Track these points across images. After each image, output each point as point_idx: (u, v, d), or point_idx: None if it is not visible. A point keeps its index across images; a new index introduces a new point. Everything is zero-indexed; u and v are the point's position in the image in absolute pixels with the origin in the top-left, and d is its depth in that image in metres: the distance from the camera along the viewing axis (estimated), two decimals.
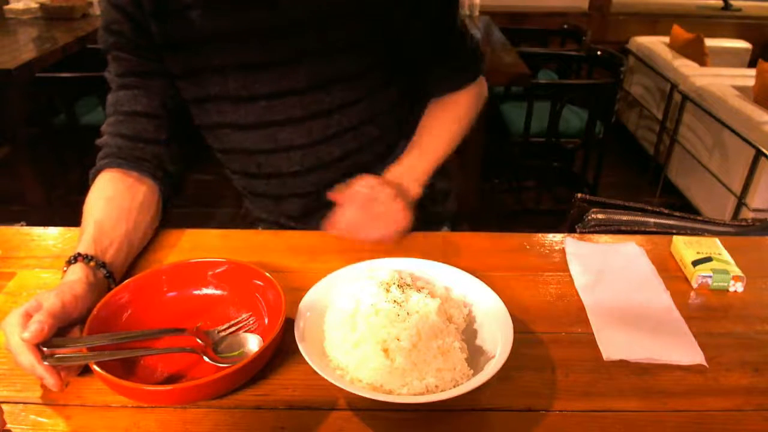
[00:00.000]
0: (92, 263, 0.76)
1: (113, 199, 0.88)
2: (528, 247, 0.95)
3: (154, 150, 0.95)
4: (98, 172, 0.92)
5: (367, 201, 0.88)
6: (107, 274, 0.77)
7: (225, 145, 1.03)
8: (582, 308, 0.80)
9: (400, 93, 1.05)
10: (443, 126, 1.05)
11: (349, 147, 1.01)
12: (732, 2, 4.33)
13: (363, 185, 0.89)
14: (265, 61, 0.92)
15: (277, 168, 1.02)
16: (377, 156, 1.06)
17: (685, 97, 3.04)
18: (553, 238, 0.97)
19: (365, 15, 0.91)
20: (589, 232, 1.04)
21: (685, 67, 3.35)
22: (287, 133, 0.98)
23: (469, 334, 0.71)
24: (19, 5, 3.20)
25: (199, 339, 0.70)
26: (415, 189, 0.97)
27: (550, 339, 0.74)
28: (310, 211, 1.07)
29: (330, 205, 1.07)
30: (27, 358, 0.61)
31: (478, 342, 0.71)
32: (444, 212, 1.21)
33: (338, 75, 0.94)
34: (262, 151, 1.00)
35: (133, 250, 0.87)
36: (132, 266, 0.86)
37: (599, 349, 0.72)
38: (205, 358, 0.67)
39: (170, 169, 0.98)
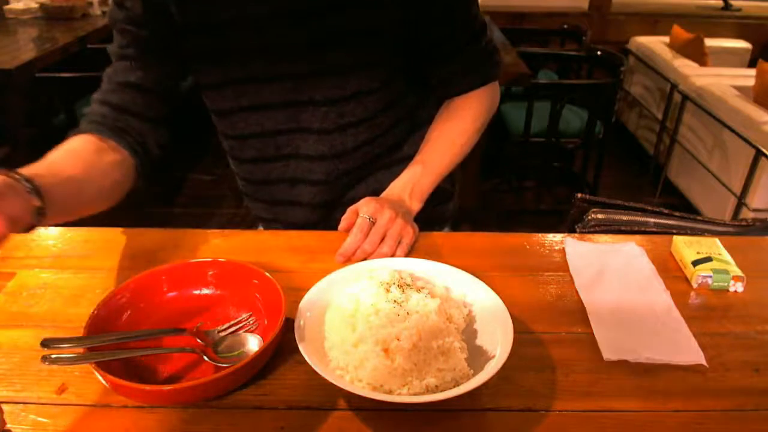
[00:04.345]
0: (15, 174, 0.68)
1: (76, 152, 0.85)
2: (528, 247, 0.95)
3: (139, 125, 0.93)
4: (76, 135, 0.89)
5: (369, 227, 0.89)
6: (30, 189, 0.68)
7: (243, 130, 1.02)
8: (582, 308, 0.80)
9: (406, 85, 1.05)
10: (449, 139, 1.05)
11: (362, 138, 1.02)
12: (732, 2, 4.33)
13: (364, 212, 0.90)
14: (287, 45, 0.92)
15: (296, 149, 1.02)
16: (387, 148, 1.07)
17: (685, 97, 3.04)
18: (553, 238, 0.97)
19: (384, 2, 0.91)
20: (589, 232, 1.04)
21: (685, 67, 3.35)
22: (309, 113, 0.98)
23: (469, 334, 0.71)
24: (19, 5, 3.20)
25: (199, 339, 0.70)
26: (416, 205, 0.99)
27: (550, 339, 0.74)
28: (315, 203, 1.07)
29: (335, 200, 1.07)
30: None
31: (478, 342, 0.71)
32: (445, 212, 1.21)
33: (357, 61, 0.95)
34: (282, 131, 1.00)
35: (81, 200, 0.81)
36: (132, 267, 0.86)
37: (599, 349, 0.72)
38: (205, 358, 0.67)
39: (152, 150, 0.95)
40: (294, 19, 0.90)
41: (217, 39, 0.93)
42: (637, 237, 0.97)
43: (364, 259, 0.87)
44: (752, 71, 2.97)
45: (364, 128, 1.01)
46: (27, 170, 0.71)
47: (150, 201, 3.01)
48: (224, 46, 0.93)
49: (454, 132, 1.06)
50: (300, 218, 1.09)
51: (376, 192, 1.02)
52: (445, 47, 1.01)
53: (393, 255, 0.87)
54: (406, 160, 1.05)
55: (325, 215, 1.09)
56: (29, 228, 0.69)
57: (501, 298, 0.72)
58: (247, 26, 0.91)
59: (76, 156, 0.85)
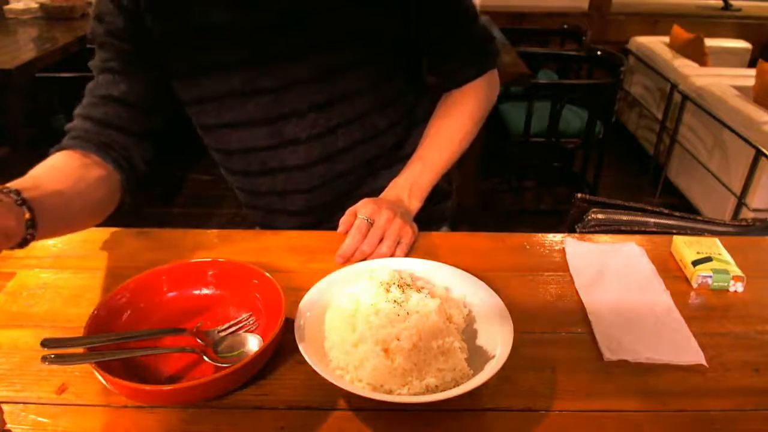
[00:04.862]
0: (2, 187, 0.68)
1: (59, 167, 0.82)
2: (528, 247, 0.95)
3: (123, 140, 0.91)
4: (58, 151, 0.87)
5: (367, 228, 0.89)
6: (19, 201, 0.67)
7: (227, 146, 1.02)
8: (582, 308, 0.80)
9: (405, 84, 1.05)
10: (448, 135, 1.05)
11: (354, 138, 1.01)
12: (732, 2, 4.33)
13: (362, 213, 0.90)
14: (268, 55, 0.91)
15: (282, 162, 1.01)
16: (384, 149, 1.06)
17: (685, 97, 3.04)
18: (553, 238, 0.97)
19: (366, 5, 0.91)
20: (589, 232, 1.04)
21: (685, 67, 3.35)
22: (292, 126, 0.97)
23: (469, 334, 0.71)
24: (19, 5, 3.20)
25: (199, 339, 0.70)
26: (415, 204, 0.99)
27: (550, 339, 0.74)
28: (313, 206, 1.07)
29: (333, 201, 1.07)
30: None
31: (478, 342, 0.71)
32: (444, 212, 1.21)
33: (341, 65, 0.94)
34: (266, 147, 0.99)
35: (69, 214, 0.78)
36: (132, 267, 0.86)
37: (599, 349, 0.72)
38: (205, 358, 0.67)
39: (138, 165, 0.93)
40: (273, 30, 0.90)
41: (197, 54, 0.91)
42: (637, 237, 0.97)
43: (363, 259, 0.87)
44: (752, 71, 2.97)
45: (356, 128, 1.00)
46: (12, 184, 0.70)
47: (150, 201, 3.01)
48: (204, 62, 0.92)
49: (452, 128, 1.05)
50: (297, 224, 1.09)
51: (377, 193, 1.02)
52: (440, 42, 1.01)
53: (392, 255, 0.87)
54: (407, 159, 1.05)
55: (323, 218, 1.09)
56: (22, 243, 0.67)
57: (501, 298, 0.72)
58: (226, 40, 0.90)
59: (60, 171, 0.82)
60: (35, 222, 0.67)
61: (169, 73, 0.95)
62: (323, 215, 1.08)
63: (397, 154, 1.08)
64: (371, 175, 1.07)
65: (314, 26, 0.90)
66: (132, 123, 0.92)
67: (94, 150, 0.87)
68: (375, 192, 1.01)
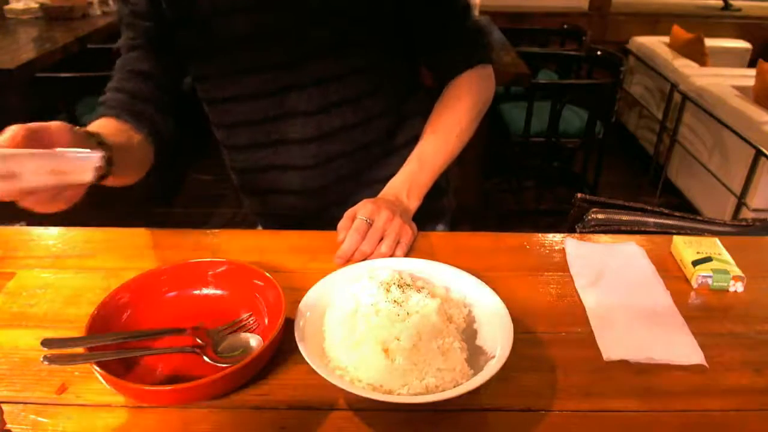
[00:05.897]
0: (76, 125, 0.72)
1: (107, 125, 0.90)
2: (528, 247, 0.95)
3: (151, 112, 0.98)
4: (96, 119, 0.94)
5: (366, 228, 0.89)
6: (93, 137, 0.74)
7: (232, 119, 1.05)
8: (582, 308, 0.80)
9: (400, 74, 1.08)
10: (445, 133, 1.06)
11: (347, 119, 1.03)
12: (732, 2, 4.33)
13: (361, 213, 0.91)
14: (270, 36, 0.95)
15: (283, 135, 1.04)
16: (375, 135, 1.08)
17: (685, 97, 3.04)
18: (553, 238, 0.97)
19: None
20: (589, 232, 1.04)
21: (685, 67, 3.35)
22: (295, 98, 1.00)
23: (469, 334, 0.71)
24: (19, 5, 3.20)
25: (199, 339, 0.70)
26: (414, 203, 1.00)
27: (550, 339, 0.74)
28: (309, 188, 1.08)
29: (329, 187, 1.07)
30: None
31: (478, 342, 0.71)
32: (440, 209, 1.21)
33: (342, 44, 0.98)
34: (269, 118, 1.03)
35: (127, 160, 0.84)
36: (132, 267, 0.86)
37: (599, 349, 0.72)
38: (205, 358, 0.67)
39: (165, 136, 1.00)
40: (277, 10, 0.93)
41: (203, 33, 0.96)
42: (637, 237, 0.97)
43: (364, 259, 0.87)
44: (752, 71, 2.97)
45: (350, 110, 1.02)
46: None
47: (150, 201, 3.01)
48: (211, 41, 0.97)
49: (448, 125, 1.06)
50: (294, 205, 1.10)
51: (369, 182, 1.03)
52: (432, 33, 1.04)
53: (392, 255, 0.87)
54: (398, 150, 1.07)
55: (319, 204, 1.09)
56: (100, 178, 0.73)
57: (501, 298, 0.72)
58: (229, 20, 0.94)
59: (109, 127, 0.88)
60: (112, 159, 0.75)
61: (179, 51, 1.00)
62: (320, 201, 1.09)
63: (390, 144, 1.10)
64: (366, 164, 1.09)
65: (317, 6, 0.94)
66: (158, 97, 0.99)
67: (127, 118, 0.93)
68: (371, 182, 1.03)
